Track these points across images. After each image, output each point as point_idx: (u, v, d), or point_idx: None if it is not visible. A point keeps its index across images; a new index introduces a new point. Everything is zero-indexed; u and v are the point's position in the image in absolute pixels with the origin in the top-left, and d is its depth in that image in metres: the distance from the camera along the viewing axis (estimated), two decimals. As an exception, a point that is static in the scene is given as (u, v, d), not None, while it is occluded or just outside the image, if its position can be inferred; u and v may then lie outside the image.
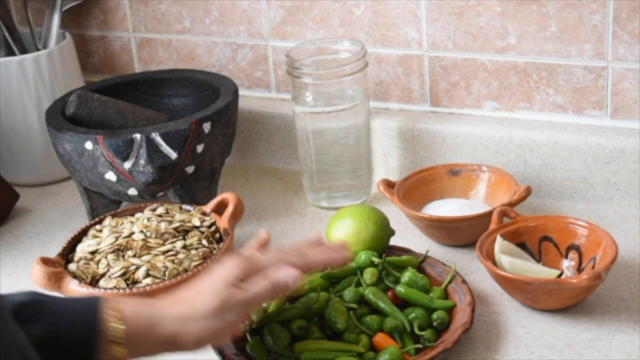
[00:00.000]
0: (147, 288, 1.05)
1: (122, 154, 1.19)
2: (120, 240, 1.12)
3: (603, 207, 1.27)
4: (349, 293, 1.05)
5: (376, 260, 1.08)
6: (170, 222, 1.15)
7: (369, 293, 1.04)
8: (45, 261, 1.09)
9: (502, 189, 1.24)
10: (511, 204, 1.18)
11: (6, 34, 1.44)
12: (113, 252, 1.11)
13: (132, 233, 1.13)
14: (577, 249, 1.10)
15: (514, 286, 1.05)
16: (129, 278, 1.07)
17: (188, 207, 1.20)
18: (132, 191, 1.25)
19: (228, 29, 1.46)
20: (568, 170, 1.28)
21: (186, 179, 1.25)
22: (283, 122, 1.44)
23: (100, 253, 1.11)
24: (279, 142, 1.45)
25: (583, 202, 1.28)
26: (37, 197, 1.44)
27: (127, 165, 1.20)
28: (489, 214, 1.16)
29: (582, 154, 1.26)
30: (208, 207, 1.20)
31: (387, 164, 1.38)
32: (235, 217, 1.18)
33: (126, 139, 1.19)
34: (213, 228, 1.16)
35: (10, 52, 1.44)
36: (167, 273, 1.07)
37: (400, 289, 1.05)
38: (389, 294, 1.05)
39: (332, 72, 1.27)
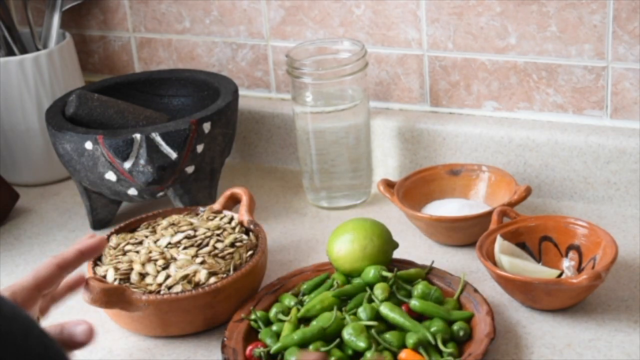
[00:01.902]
0: (219, 285, 1.05)
1: (122, 154, 1.19)
2: (156, 253, 1.10)
3: (603, 207, 1.27)
4: (364, 310, 1.01)
5: (387, 274, 1.06)
6: (195, 229, 1.14)
7: (385, 309, 1.01)
8: (95, 279, 1.03)
9: (502, 189, 1.24)
10: (511, 204, 1.18)
11: (6, 34, 1.44)
12: (152, 263, 1.09)
13: (167, 243, 1.12)
14: (577, 249, 1.10)
15: (514, 286, 1.05)
16: (190, 281, 1.06)
17: (201, 208, 1.20)
18: (132, 191, 1.25)
19: (228, 29, 1.46)
20: (568, 170, 1.28)
21: (186, 179, 1.25)
22: (283, 122, 1.44)
23: (140, 266, 1.09)
24: (279, 142, 1.45)
25: (583, 202, 1.28)
26: (37, 197, 1.44)
27: (127, 165, 1.20)
28: (489, 214, 1.16)
29: (582, 154, 1.26)
30: (218, 205, 1.20)
31: (387, 164, 1.38)
32: (252, 209, 1.18)
33: (126, 139, 1.19)
34: (235, 222, 1.16)
35: (10, 52, 1.44)
36: (229, 268, 1.08)
37: (415, 302, 1.02)
38: (403, 308, 1.03)
39: (332, 72, 1.27)
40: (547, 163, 1.29)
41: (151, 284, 1.06)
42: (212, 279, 1.06)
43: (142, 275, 1.08)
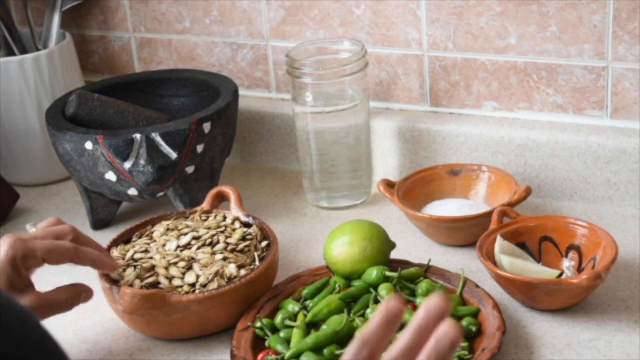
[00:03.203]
0: (252, 275, 1.05)
1: (122, 154, 1.20)
2: (173, 257, 1.09)
3: (603, 207, 1.27)
4: (374, 312, 1.00)
5: (390, 274, 1.06)
6: (196, 230, 1.14)
7: None
8: (130, 286, 1.05)
9: (502, 189, 1.24)
10: (511, 204, 1.18)
11: (6, 34, 1.44)
12: (174, 266, 1.08)
13: (176, 246, 1.11)
14: (577, 249, 1.10)
15: (514, 286, 1.05)
16: (222, 277, 1.07)
17: (187, 211, 1.20)
18: (132, 191, 1.25)
19: (228, 29, 1.46)
20: (568, 170, 1.28)
21: (186, 179, 1.25)
22: (283, 122, 1.44)
23: (164, 270, 1.08)
24: (279, 142, 1.46)
25: (583, 202, 1.28)
26: (37, 197, 1.44)
27: (127, 165, 1.20)
28: (489, 214, 1.16)
29: (582, 154, 1.26)
30: (207, 205, 1.20)
31: (387, 164, 1.38)
32: (241, 203, 1.19)
33: (126, 139, 1.19)
34: (231, 218, 1.16)
35: (10, 52, 1.44)
36: (255, 258, 1.08)
37: (421, 300, 1.02)
38: (409, 307, 1.02)
39: (332, 72, 1.27)
40: (547, 163, 1.29)
41: (181, 286, 1.06)
42: (242, 271, 1.07)
43: (169, 279, 1.07)
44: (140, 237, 1.16)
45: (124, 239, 1.17)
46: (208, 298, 1.04)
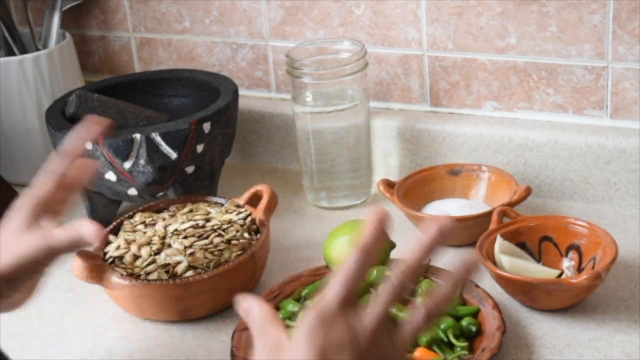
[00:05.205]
0: (190, 279, 1.06)
1: (122, 154, 1.20)
2: (157, 237, 1.12)
3: (603, 207, 1.27)
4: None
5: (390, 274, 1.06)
6: (208, 220, 1.15)
7: (394, 308, 1.02)
8: (85, 255, 1.08)
9: (502, 189, 1.24)
10: (511, 204, 1.18)
11: (6, 34, 1.44)
12: (149, 246, 1.11)
13: (174, 229, 1.13)
14: (577, 249, 1.10)
15: (514, 286, 1.05)
16: (168, 271, 1.08)
17: (221, 200, 1.21)
18: (132, 191, 1.25)
19: (228, 29, 1.46)
20: (568, 170, 1.28)
21: (186, 179, 1.25)
22: (283, 122, 1.44)
23: (136, 247, 1.11)
24: (279, 142, 1.46)
25: (583, 202, 1.28)
26: (37, 197, 1.44)
27: (127, 165, 1.20)
28: (489, 214, 1.16)
29: (582, 154, 1.26)
30: (242, 199, 1.20)
31: (387, 164, 1.38)
32: (270, 208, 1.18)
33: (126, 139, 1.19)
34: (249, 220, 1.16)
35: (10, 52, 1.44)
36: (210, 265, 1.08)
37: (421, 300, 1.03)
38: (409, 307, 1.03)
39: (332, 72, 1.27)
40: (547, 163, 1.29)
41: (138, 267, 1.09)
42: (189, 273, 1.07)
43: (136, 257, 1.10)
44: (170, 211, 1.19)
45: (157, 208, 1.20)
46: (138, 287, 1.07)
